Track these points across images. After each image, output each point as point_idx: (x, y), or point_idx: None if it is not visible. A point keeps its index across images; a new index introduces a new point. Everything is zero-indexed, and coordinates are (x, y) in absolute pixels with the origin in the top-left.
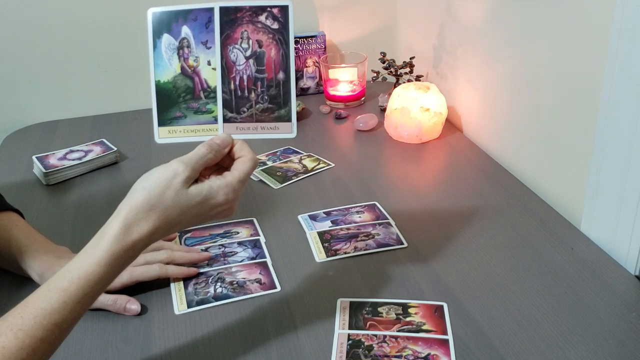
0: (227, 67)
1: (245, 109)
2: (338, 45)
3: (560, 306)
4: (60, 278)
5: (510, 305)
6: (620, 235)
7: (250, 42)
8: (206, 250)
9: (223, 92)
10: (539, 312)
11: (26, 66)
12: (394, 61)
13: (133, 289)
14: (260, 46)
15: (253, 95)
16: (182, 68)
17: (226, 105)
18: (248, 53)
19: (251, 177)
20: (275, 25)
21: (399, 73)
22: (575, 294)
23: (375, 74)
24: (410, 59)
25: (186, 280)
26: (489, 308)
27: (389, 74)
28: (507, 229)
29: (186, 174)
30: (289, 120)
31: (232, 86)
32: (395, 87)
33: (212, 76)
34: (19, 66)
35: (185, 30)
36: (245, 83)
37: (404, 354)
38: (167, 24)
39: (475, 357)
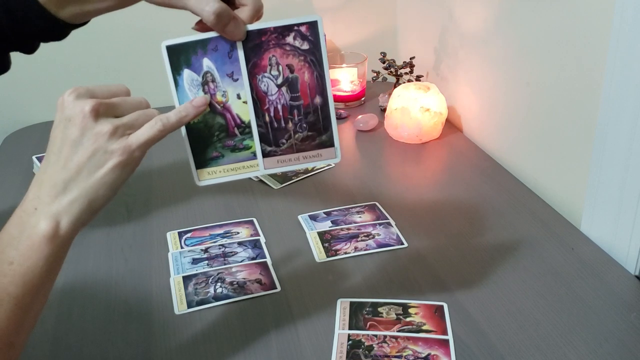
0: (258, 99)
1: (284, 141)
2: (338, 45)
3: (560, 306)
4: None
5: (510, 305)
6: (620, 235)
7: (280, 68)
8: (206, 250)
9: (258, 126)
10: (539, 312)
11: (26, 66)
12: (394, 61)
13: (133, 287)
14: (291, 71)
15: (290, 124)
16: (211, 105)
17: (263, 139)
18: (279, 80)
19: (251, 177)
20: (305, 46)
21: (399, 73)
22: (575, 294)
23: (375, 74)
24: (411, 59)
25: (186, 280)
26: (489, 308)
27: (389, 74)
28: (507, 229)
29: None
30: (332, 145)
31: (267, 118)
32: (395, 87)
33: (244, 110)
34: (19, 66)
35: (207, 63)
36: (281, 113)
37: (404, 354)
38: (186, 57)
39: (475, 357)
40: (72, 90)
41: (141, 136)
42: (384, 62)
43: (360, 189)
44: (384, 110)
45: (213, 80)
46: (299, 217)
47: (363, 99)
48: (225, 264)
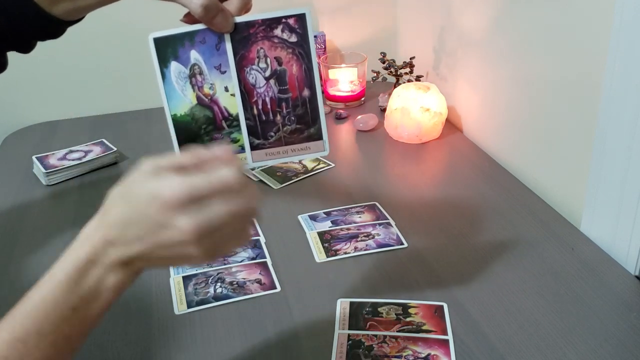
0: (246, 92)
1: (272, 134)
2: (338, 45)
3: (560, 306)
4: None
5: (510, 305)
6: (620, 235)
7: (269, 60)
8: None
9: (246, 118)
10: (539, 312)
11: (26, 66)
12: (394, 61)
13: (133, 287)
14: (280, 64)
15: (279, 117)
16: (198, 98)
17: (251, 132)
18: (267, 73)
19: (251, 177)
20: (294, 38)
21: (399, 73)
22: (575, 294)
23: (375, 74)
24: (411, 59)
25: (186, 280)
26: (489, 308)
27: (389, 74)
28: (507, 229)
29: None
30: (320, 138)
31: (255, 111)
32: (395, 87)
33: (232, 103)
34: (19, 66)
35: (195, 55)
36: (269, 106)
37: (404, 354)
38: (173, 50)
39: (475, 357)
40: (181, 194)
41: (218, 255)
42: (383, 62)
43: (360, 189)
44: (383, 110)
45: (200, 73)
46: (299, 217)
47: (363, 99)
48: (225, 264)
